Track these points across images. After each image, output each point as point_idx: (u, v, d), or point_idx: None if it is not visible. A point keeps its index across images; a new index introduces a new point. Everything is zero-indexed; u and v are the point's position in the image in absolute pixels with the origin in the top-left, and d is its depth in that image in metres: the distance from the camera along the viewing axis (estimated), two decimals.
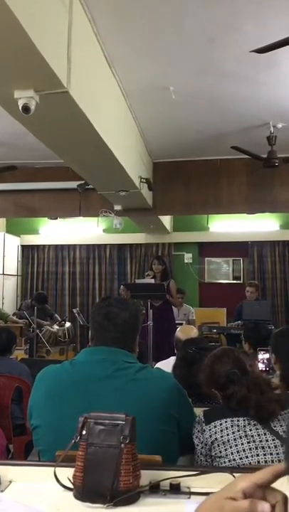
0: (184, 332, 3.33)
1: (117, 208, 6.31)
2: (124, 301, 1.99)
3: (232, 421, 1.77)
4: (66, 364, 1.69)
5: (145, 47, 3.67)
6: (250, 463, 1.69)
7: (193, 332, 3.39)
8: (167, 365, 2.68)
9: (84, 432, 1.28)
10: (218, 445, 1.74)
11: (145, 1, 3.09)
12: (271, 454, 1.70)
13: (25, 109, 2.83)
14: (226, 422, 1.77)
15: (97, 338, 1.73)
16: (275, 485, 0.73)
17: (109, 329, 1.71)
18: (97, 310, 1.79)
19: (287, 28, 3.19)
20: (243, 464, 1.68)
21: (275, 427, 1.76)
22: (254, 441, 1.72)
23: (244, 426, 1.76)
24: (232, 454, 1.72)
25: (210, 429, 1.77)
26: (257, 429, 1.75)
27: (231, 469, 1.37)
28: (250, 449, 1.71)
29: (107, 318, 1.73)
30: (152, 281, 6.31)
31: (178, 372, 1.80)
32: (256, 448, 1.71)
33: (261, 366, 3.01)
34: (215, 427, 1.77)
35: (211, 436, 1.76)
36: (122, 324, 1.72)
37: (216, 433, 1.76)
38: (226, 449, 1.74)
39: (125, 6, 3.14)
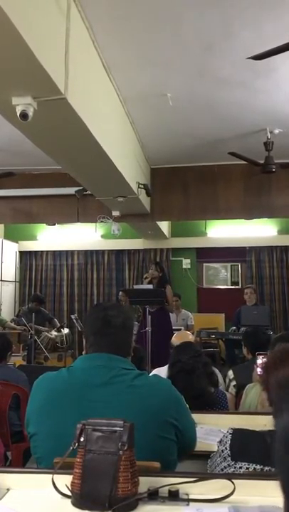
0: (180, 338, 3.32)
1: (115, 213, 6.32)
2: (118, 305, 1.98)
3: (262, 470, 1.48)
4: (63, 371, 1.67)
5: (143, 53, 3.69)
6: None
7: (189, 338, 3.38)
8: (164, 371, 2.66)
9: (82, 439, 1.27)
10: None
11: (143, 8, 3.11)
12: None
13: (23, 115, 2.84)
14: (254, 469, 1.49)
15: (95, 344, 1.71)
16: (270, 489, 0.72)
17: (108, 334, 1.69)
18: (94, 315, 1.76)
19: (284, 34, 3.21)
20: None
21: None
22: None
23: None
24: None
25: (235, 468, 1.52)
26: None
27: (230, 476, 1.36)
28: None
29: (106, 322, 1.70)
30: (151, 286, 6.30)
31: (178, 387, 1.72)
32: None
33: (259, 371, 3.00)
34: (240, 468, 1.51)
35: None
36: (120, 328, 1.71)
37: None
38: None
39: (123, 12, 3.15)
